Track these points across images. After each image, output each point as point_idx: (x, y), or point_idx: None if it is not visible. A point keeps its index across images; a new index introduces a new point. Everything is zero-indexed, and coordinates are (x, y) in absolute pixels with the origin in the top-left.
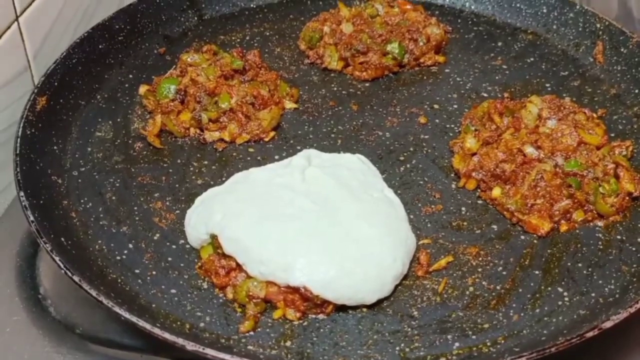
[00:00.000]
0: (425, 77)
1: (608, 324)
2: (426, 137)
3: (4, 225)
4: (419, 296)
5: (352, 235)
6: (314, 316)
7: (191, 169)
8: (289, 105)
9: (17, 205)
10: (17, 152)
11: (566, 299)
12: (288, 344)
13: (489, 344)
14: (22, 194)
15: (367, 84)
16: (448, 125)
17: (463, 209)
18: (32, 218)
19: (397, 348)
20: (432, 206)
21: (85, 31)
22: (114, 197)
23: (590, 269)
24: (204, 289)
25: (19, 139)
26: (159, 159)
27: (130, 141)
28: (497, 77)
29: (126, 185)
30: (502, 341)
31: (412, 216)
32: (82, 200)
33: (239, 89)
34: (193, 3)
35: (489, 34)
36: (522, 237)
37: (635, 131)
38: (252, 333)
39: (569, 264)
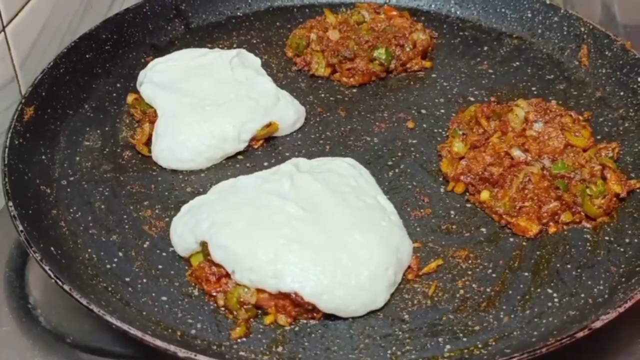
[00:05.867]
0: (412, 83)
1: (598, 324)
2: (414, 141)
3: None
4: (409, 300)
5: (343, 243)
6: (305, 321)
7: (180, 176)
8: None
9: (5, 215)
10: (6, 162)
11: (556, 300)
12: (280, 349)
13: (480, 345)
14: (10, 204)
15: (354, 90)
16: (436, 130)
17: (452, 212)
18: (21, 228)
19: (389, 352)
20: (421, 210)
21: (72, 41)
22: (103, 206)
23: (579, 270)
24: (194, 296)
25: (7, 149)
26: (148, 167)
27: (118, 150)
28: (483, 82)
29: (115, 194)
30: (493, 343)
31: (401, 220)
32: (71, 210)
33: None
34: (180, 12)
35: (474, 39)
36: (511, 239)
37: (621, 133)
38: (243, 339)
39: (558, 265)
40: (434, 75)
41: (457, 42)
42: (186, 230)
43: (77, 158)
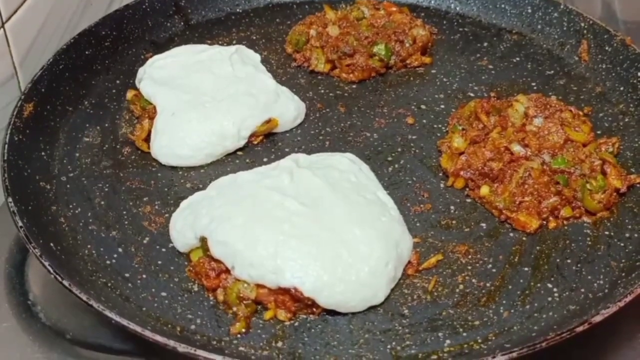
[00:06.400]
0: (412, 78)
1: (598, 319)
2: (414, 137)
3: None
4: (409, 295)
5: (343, 238)
6: (304, 316)
7: (180, 172)
8: None
9: (5, 211)
10: (5, 158)
11: (556, 294)
12: (279, 344)
13: (479, 340)
14: (10, 199)
15: (354, 86)
16: (435, 126)
17: (452, 207)
18: (20, 224)
19: (389, 347)
20: (421, 205)
21: (71, 37)
22: (102, 202)
23: (579, 265)
24: (194, 291)
25: (6, 146)
26: (148, 163)
27: (118, 146)
28: (483, 77)
29: (115, 190)
30: (493, 338)
31: (401, 216)
32: (70, 206)
33: None
34: (179, 8)
35: (474, 35)
36: (511, 234)
37: (621, 128)
38: (243, 334)
39: (558, 260)
40: (433, 71)
41: (456, 38)
42: (186, 225)
43: (77, 154)
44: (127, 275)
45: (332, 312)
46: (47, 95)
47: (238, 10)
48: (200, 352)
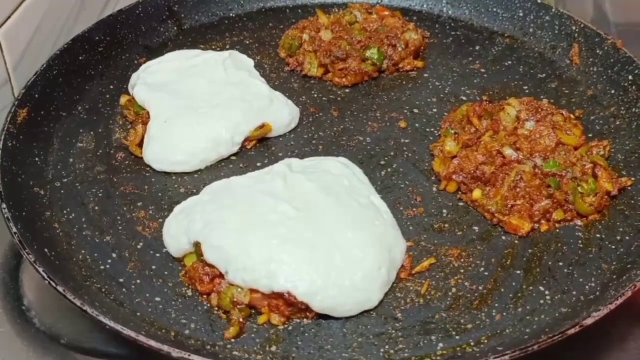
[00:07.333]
0: (404, 82)
1: (589, 321)
2: (407, 141)
3: None
4: (402, 298)
5: (337, 243)
6: (298, 321)
7: (173, 177)
8: None
9: None
10: None
11: (548, 297)
12: (273, 349)
13: (472, 344)
14: (4, 206)
15: (347, 90)
16: (428, 129)
17: (444, 211)
18: (15, 230)
19: (382, 350)
20: (414, 209)
21: (65, 43)
22: (97, 208)
23: (571, 268)
24: (188, 296)
25: (0, 152)
26: (141, 168)
27: (112, 151)
28: (475, 81)
29: (109, 196)
30: (486, 341)
31: (394, 220)
32: (65, 211)
33: None
34: (173, 13)
35: (466, 39)
36: (503, 237)
37: (612, 131)
38: (237, 339)
39: (550, 263)
40: (426, 75)
41: (449, 42)
42: (180, 231)
43: (71, 160)
44: (121, 280)
45: (326, 317)
46: (41, 101)
47: (231, 15)
48: (195, 357)
